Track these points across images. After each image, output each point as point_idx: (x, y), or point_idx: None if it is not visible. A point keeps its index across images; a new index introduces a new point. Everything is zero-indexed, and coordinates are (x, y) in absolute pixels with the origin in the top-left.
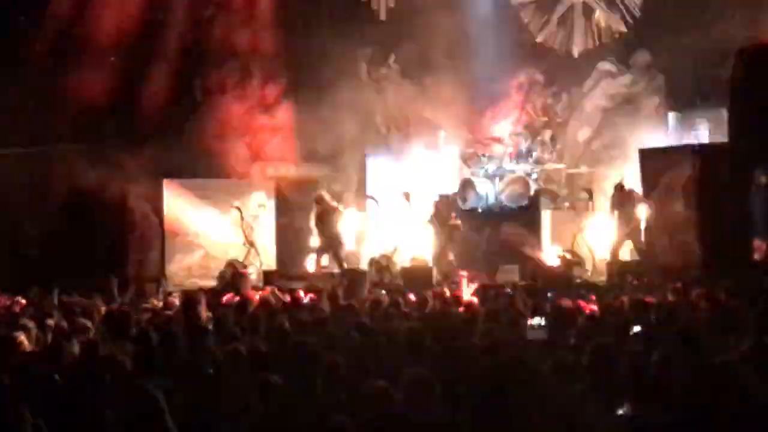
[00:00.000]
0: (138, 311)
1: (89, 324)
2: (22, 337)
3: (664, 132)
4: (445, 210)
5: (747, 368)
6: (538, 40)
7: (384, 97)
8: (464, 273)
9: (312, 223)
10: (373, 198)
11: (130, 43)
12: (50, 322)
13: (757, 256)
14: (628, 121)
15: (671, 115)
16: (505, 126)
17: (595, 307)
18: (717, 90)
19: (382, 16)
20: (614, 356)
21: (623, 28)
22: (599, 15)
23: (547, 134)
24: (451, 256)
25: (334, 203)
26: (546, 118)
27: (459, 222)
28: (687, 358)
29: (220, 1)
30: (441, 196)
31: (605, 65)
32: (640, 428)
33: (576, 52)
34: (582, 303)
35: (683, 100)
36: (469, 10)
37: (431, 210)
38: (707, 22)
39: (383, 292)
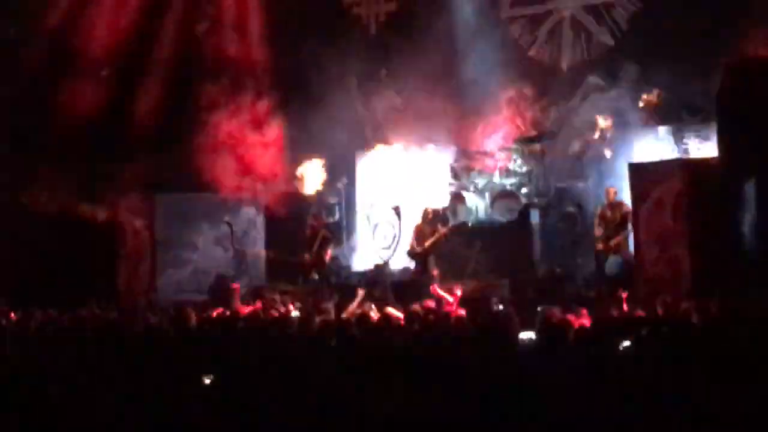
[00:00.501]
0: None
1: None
2: None
3: (654, 146)
4: (431, 221)
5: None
6: (530, 54)
7: (374, 110)
8: (442, 290)
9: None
10: (366, 216)
11: (122, 57)
12: None
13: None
14: (618, 136)
15: (660, 129)
16: (496, 140)
17: (585, 321)
18: (705, 103)
19: (373, 31)
20: (604, 369)
21: (611, 42)
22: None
23: (535, 148)
24: (434, 269)
25: (327, 219)
26: (535, 132)
27: (446, 230)
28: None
29: (212, 15)
30: (431, 210)
31: (594, 79)
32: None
33: (565, 66)
34: (572, 316)
35: (672, 114)
36: (459, 24)
37: (419, 218)
38: (695, 35)
39: (373, 306)
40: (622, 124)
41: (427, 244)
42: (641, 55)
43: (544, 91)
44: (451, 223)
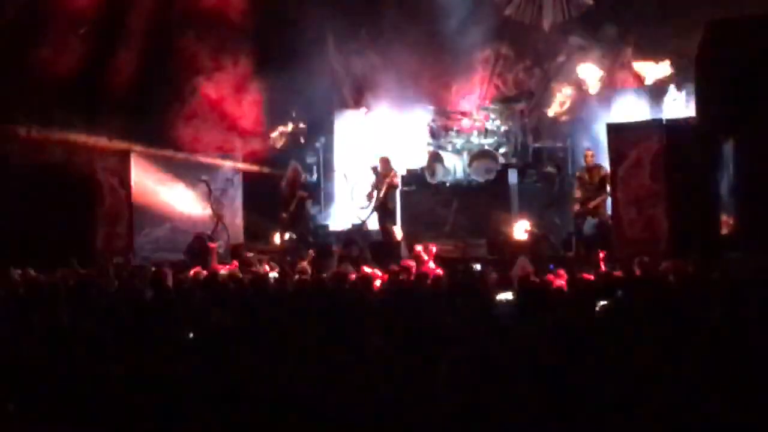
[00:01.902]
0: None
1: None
2: None
3: (635, 106)
4: (384, 168)
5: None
6: (507, 13)
7: (353, 70)
8: (420, 247)
9: (283, 186)
10: (344, 175)
11: (98, 15)
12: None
13: (724, 231)
14: (600, 96)
15: (639, 90)
16: (471, 100)
17: (563, 282)
18: (685, 64)
19: None
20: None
21: (590, 1)
22: None
23: (516, 108)
24: (395, 222)
25: (303, 177)
26: (514, 93)
27: (397, 180)
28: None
29: None
30: (382, 158)
31: (575, 39)
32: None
33: (546, 26)
34: (550, 277)
35: (652, 73)
36: None
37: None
38: None
39: (350, 266)
40: (603, 84)
41: (381, 194)
42: (621, 14)
43: (525, 51)
44: (430, 181)
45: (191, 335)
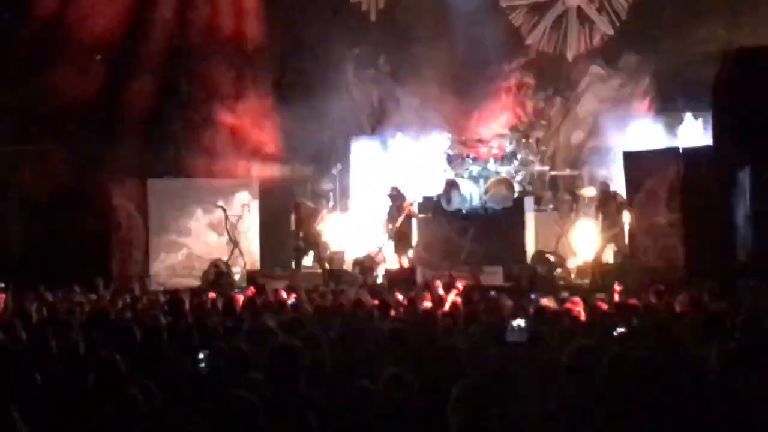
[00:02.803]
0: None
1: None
2: None
3: (652, 134)
4: (399, 197)
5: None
6: (528, 43)
7: (371, 97)
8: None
9: (292, 226)
10: (360, 202)
11: (116, 41)
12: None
13: (740, 259)
14: (618, 124)
15: (657, 118)
16: (492, 128)
17: (578, 309)
18: (701, 92)
19: (373, 17)
20: (596, 358)
21: (611, 32)
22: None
23: (533, 136)
24: (411, 247)
25: (311, 204)
26: (535, 120)
27: (415, 209)
28: (668, 360)
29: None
30: (393, 188)
31: (596, 68)
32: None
33: (570, 55)
34: (566, 305)
35: (669, 102)
36: (459, 12)
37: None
38: (692, 25)
39: (366, 293)
40: (622, 113)
41: (397, 223)
42: (640, 44)
43: (547, 80)
44: (446, 208)
45: (207, 361)
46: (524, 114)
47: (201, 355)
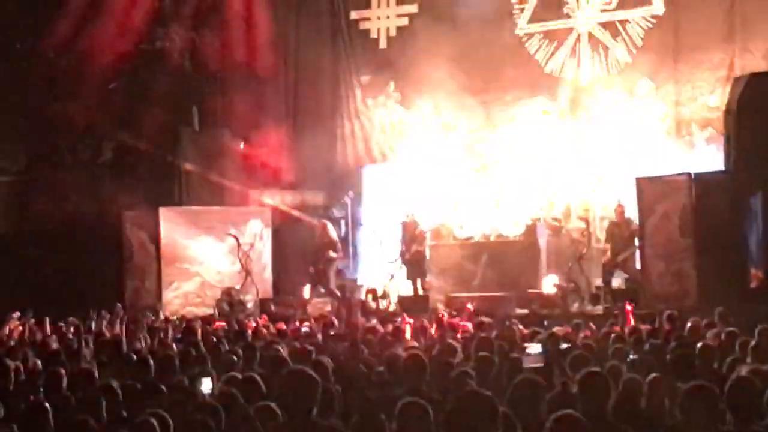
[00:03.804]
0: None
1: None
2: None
3: (665, 159)
4: (413, 224)
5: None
6: (547, 71)
7: (381, 124)
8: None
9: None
10: (372, 229)
11: (129, 70)
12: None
13: (753, 285)
14: (632, 150)
15: (670, 143)
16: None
17: (590, 334)
18: (715, 118)
19: (383, 44)
20: (608, 383)
21: (627, 58)
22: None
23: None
24: (424, 274)
25: (335, 234)
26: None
27: (427, 237)
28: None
29: (218, 28)
30: (408, 215)
31: (611, 94)
32: None
33: (584, 81)
34: (577, 331)
35: (684, 128)
36: (471, 39)
37: (400, 230)
38: (708, 51)
39: (375, 320)
40: (636, 138)
41: (411, 249)
42: (657, 71)
43: (564, 105)
44: (459, 234)
45: (217, 389)
46: (544, 141)
47: (204, 382)
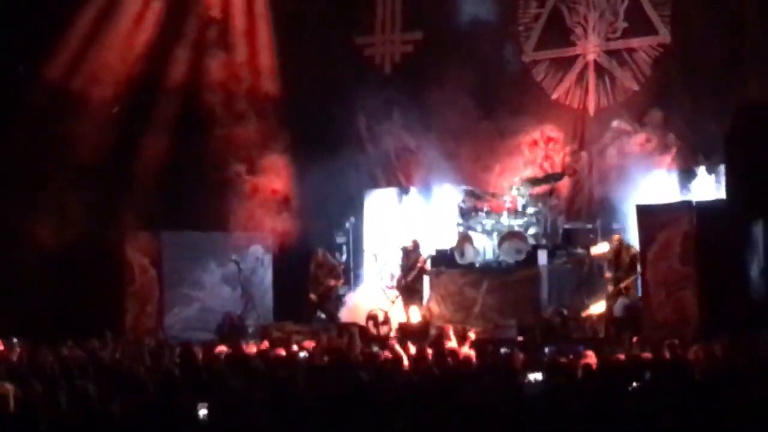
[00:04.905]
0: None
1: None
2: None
3: (666, 188)
4: (414, 251)
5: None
6: (554, 97)
7: (384, 150)
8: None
9: (310, 276)
10: (373, 255)
11: (132, 95)
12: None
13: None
14: (636, 178)
15: (671, 171)
16: (509, 181)
17: (592, 363)
18: (719, 147)
19: (387, 70)
20: (611, 412)
21: (635, 86)
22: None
23: (547, 188)
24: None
25: (329, 258)
26: (542, 174)
27: (428, 266)
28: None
29: (222, 51)
30: (413, 242)
31: (620, 123)
32: None
33: (591, 110)
34: (578, 359)
35: (691, 157)
36: (477, 65)
37: (400, 256)
38: (716, 80)
39: (375, 348)
40: (646, 168)
41: (408, 278)
42: (665, 100)
43: (573, 134)
44: (459, 262)
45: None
46: (552, 168)
47: (203, 407)
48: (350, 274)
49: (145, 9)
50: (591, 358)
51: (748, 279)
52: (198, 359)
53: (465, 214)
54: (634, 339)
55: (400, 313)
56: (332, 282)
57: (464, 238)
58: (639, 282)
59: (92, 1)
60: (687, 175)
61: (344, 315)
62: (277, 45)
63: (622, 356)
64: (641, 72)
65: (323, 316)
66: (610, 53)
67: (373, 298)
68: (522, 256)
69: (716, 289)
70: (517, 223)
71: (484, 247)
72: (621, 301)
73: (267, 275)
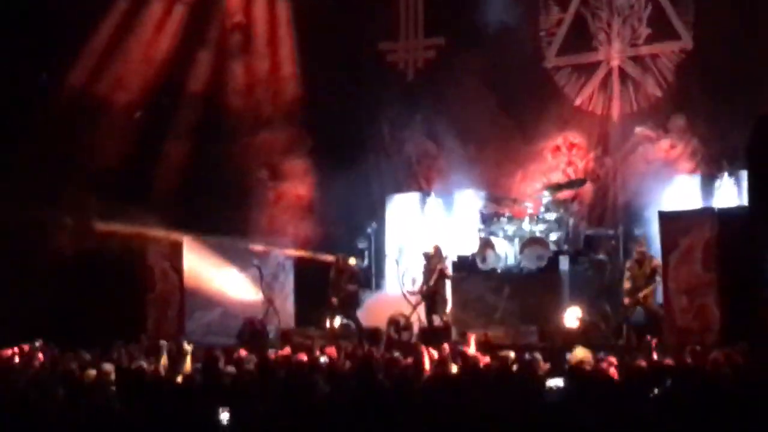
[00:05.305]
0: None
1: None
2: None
3: (689, 194)
4: (435, 256)
5: None
6: (577, 103)
7: (406, 155)
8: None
9: (331, 281)
10: (395, 260)
11: (153, 100)
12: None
13: None
14: (660, 185)
15: (699, 178)
16: (532, 187)
17: (613, 370)
18: (741, 153)
19: (410, 77)
20: (632, 419)
21: (658, 93)
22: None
23: (569, 194)
24: (446, 306)
25: (351, 262)
26: (565, 180)
27: (449, 271)
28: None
29: (244, 58)
30: (435, 247)
31: (642, 129)
32: None
33: (615, 115)
34: (600, 365)
35: (715, 163)
36: (499, 71)
37: (422, 262)
38: (740, 86)
39: (396, 353)
40: (669, 174)
41: (430, 283)
42: (688, 105)
43: (596, 140)
44: (481, 267)
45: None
46: (576, 173)
47: (222, 414)
48: (372, 280)
49: (167, 15)
50: (613, 364)
51: None
52: (219, 364)
53: (486, 219)
54: (654, 342)
55: (421, 319)
56: (353, 287)
57: (486, 244)
58: (659, 290)
59: (115, 8)
60: (710, 181)
61: (363, 318)
62: (299, 51)
63: (643, 363)
64: (664, 78)
65: (345, 321)
66: (634, 59)
67: (393, 302)
68: (543, 262)
69: (738, 295)
70: (538, 229)
71: (506, 252)
72: (640, 309)
73: (289, 280)
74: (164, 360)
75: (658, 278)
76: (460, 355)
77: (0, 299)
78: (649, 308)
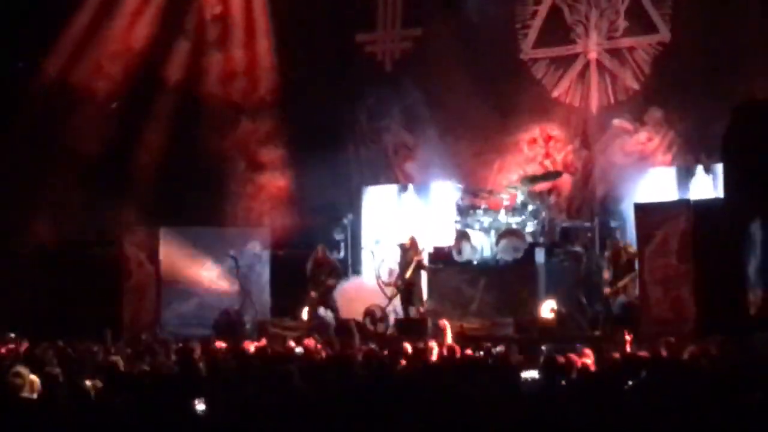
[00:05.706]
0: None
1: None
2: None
3: (665, 186)
4: (412, 248)
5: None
6: (554, 95)
7: (384, 147)
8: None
9: (308, 273)
10: (371, 252)
11: (130, 90)
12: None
13: (752, 311)
14: (636, 177)
15: (675, 171)
16: (509, 179)
17: (588, 361)
18: (718, 145)
19: (388, 68)
20: (607, 410)
21: (635, 85)
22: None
23: (544, 186)
24: (422, 298)
25: (328, 255)
26: (541, 172)
27: (425, 261)
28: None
29: (220, 48)
30: (411, 237)
31: (619, 122)
32: None
33: (594, 108)
34: (575, 356)
35: (692, 156)
36: (477, 62)
37: (399, 251)
38: (715, 78)
39: (372, 345)
40: (646, 167)
41: (407, 275)
42: (665, 98)
43: (574, 132)
44: (457, 259)
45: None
46: (553, 166)
47: (200, 403)
48: (348, 271)
49: (145, 4)
50: (588, 356)
51: (745, 277)
52: (195, 355)
53: (463, 211)
54: (629, 336)
55: (397, 310)
56: (332, 282)
57: (462, 236)
58: (636, 279)
59: None
60: (686, 173)
61: (339, 309)
62: (277, 42)
63: (617, 355)
64: (641, 71)
65: (324, 313)
66: (611, 52)
67: (369, 292)
68: (519, 254)
69: (713, 286)
70: (514, 221)
71: (482, 244)
72: (619, 299)
73: (265, 271)
74: None
75: (636, 265)
76: (438, 346)
77: None
78: (627, 298)
